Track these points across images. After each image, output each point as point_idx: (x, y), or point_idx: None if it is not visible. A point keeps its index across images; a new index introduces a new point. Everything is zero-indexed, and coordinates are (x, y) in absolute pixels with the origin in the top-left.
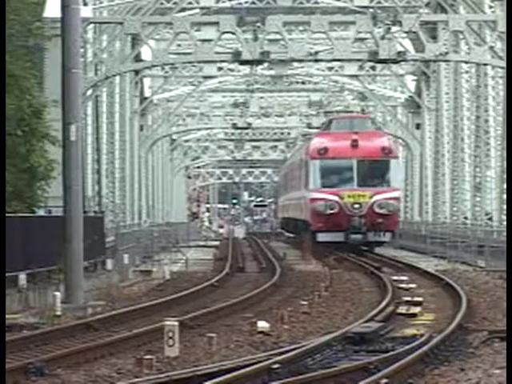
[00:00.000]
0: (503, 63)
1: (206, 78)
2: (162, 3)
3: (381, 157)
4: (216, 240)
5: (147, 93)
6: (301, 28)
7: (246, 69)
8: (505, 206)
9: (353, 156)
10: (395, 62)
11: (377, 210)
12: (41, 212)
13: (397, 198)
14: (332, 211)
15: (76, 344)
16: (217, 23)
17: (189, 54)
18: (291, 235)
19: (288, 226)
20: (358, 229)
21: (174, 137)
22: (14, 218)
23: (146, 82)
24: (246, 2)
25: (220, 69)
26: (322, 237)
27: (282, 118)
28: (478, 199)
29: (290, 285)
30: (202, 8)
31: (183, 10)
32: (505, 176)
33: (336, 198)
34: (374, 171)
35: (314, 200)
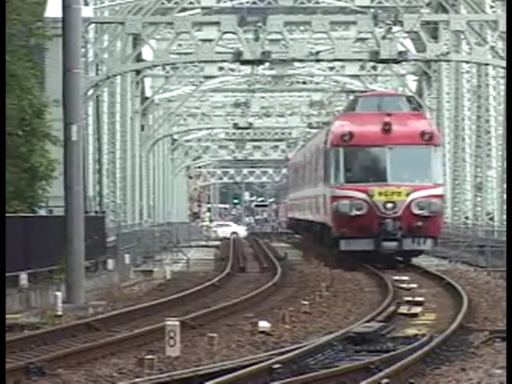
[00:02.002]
0: (504, 63)
1: (207, 77)
2: (163, 3)
3: (420, 144)
4: (217, 240)
5: (148, 93)
6: (302, 28)
7: (247, 69)
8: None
9: (385, 143)
10: (396, 61)
11: (415, 210)
12: (42, 212)
13: (440, 196)
14: (359, 212)
15: (77, 344)
16: (218, 23)
17: (190, 53)
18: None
19: (299, 228)
20: (392, 234)
21: (175, 137)
22: (15, 218)
23: (147, 81)
24: (247, 2)
25: (221, 69)
26: (346, 244)
27: (283, 117)
28: (478, 199)
29: (291, 285)
30: (203, 8)
31: (184, 9)
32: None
33: (364, 196)
34: (412, 162)
35: (335, 198)
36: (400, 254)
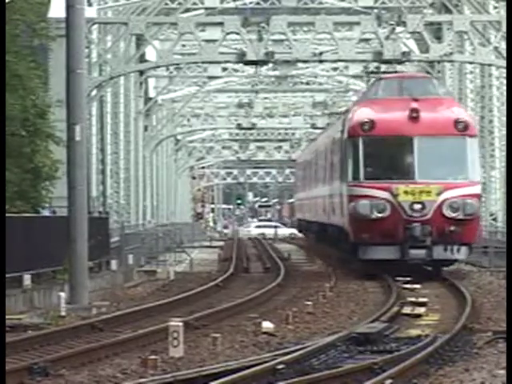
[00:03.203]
0: None
1: (211, 78)
2: (166, 4)
3: (454, 134)
4: (220, 240)
5: (152, 93)
6: (305, 28)
7: (250, 69)
8: None
9: (412, 133)
10: (400, 62)
11: (448, 212)
12: (45, 212)
13: (477, 196)
14: (380, 215)
15: (80, 344)
16: (221, 24)
17: (193, 54)
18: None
19: (310, 231)
20: (420, 241)
21: (179, 137)
22: (18, 218)
23: (151, 82)
24: (251, 3)
25: (225, 69)
26: (365, 252)
27: (287, 118)
28: (482, 199)
29: (295, 285)
30: (206, 8)
31: (188, 10)
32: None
33: (387, 196)
34: (444, 155)
35: (353, 198)
36: (429, 264)
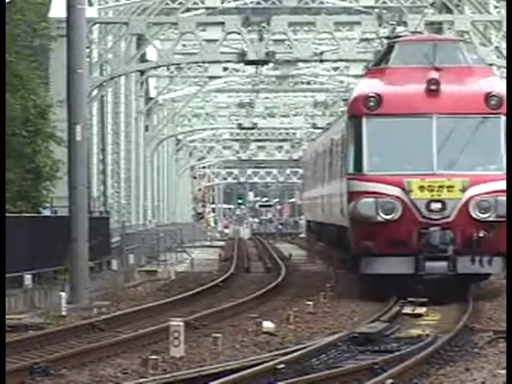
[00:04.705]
0: None
1: (212, 78)
2: (167, 3)
3: (485, 113)
4: (221, 240)
5: (152, 93)
6: (306, 28)
7: (251, 69)
8: None
9: (430, 111)
10: None
11: (476, 213)
12: (46, 212)
13: None
14: (389, 217)
15: (81, 344)
16: (222, 23)
17: (194, 54)
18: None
19: (321, 236)
20: (440, 250)
21: (180, 137)
22: (19, 218)
23: (152, 82)
24: (252, 3)
25: (225, 69)
26: (369, 265)
27: (288, 118)
28: None
29: (296, 285)
30: (207, 8)
31: (188, 10)
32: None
33: (397, 192)
34: (472, 140)
35: (354, 195)
36: (453, 280)
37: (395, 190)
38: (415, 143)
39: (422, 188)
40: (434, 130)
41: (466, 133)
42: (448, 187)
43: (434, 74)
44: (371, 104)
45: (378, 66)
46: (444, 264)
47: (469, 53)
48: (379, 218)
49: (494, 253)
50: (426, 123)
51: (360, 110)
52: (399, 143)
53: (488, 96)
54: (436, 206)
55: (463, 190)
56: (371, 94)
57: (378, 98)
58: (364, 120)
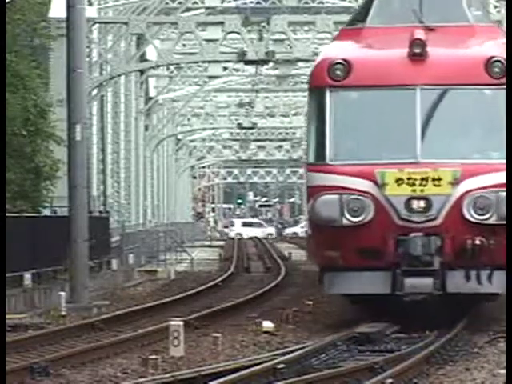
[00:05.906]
0: None
1: (211, 77)
2: (167, 3)
3: (483, 83)
4: (221, 240)
5: (152, 93)
6: (306, 28)
7: (251, 69)
8: None
9: (414, 82)
10: None
11: (471, 214)
12: (46, 212)
13: None
14: (357, 219)
15: (81, 344)
16: (222, 23)
17: (194, 53)
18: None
19: None
20: (424, 263)
21: (179, 137)
22: (19, 218)
23: (151, 81)
24: (251, 2)
25: (225, 69)
26: (334, 282)
27: (288, 117)
28: None
29: (295, 285)
30: (207, 8)
31: (188, 9)
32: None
33: (368, 186)
34: (466, 119)
35: (314, 191)
36: (442, 300)
37: (365, 185)
38: (393, 123)
39: (399, 181)
40: (417, 107)
41: (459, 110)
42: (434, 180)
43: (419, 34)
44: (337, 73)
45: (352, 26)
46: (429, 281)
47: (470, 8)
48: (345, 221)
49: (495, 266)
50: (407, 97)
51: (323, 80)
52: (372, 124)
53: (489, 61)
54: (418, 204)
55: (454, 184)
56: (338, 61)
57: (347, 66)
58: (327, 93)
